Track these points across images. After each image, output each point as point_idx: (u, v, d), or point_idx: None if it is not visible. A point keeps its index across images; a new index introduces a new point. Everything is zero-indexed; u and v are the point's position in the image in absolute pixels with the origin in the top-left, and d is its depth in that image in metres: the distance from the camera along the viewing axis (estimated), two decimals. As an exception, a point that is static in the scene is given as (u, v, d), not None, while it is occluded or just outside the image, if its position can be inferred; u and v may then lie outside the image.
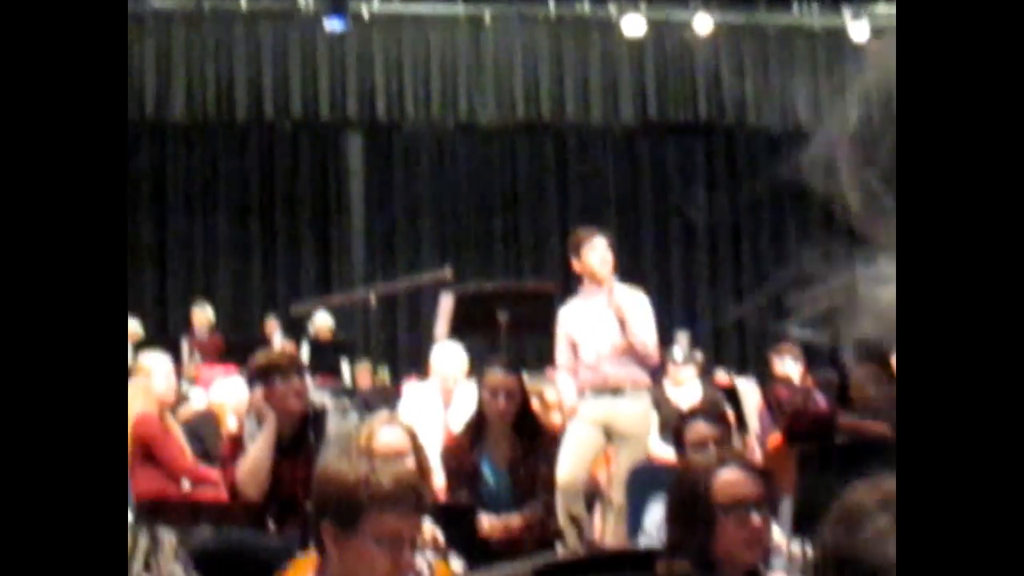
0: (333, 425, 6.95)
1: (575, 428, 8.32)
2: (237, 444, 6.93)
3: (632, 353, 8.45)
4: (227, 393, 10.07)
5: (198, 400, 10.74)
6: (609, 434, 8.40)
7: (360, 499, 3.52)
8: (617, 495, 8.31)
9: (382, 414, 6.30)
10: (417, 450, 5.83)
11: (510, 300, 9.18)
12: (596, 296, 8.54)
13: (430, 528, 5.64)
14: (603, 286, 8.50)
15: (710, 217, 21.28)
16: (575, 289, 8.93)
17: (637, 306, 8.57)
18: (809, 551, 8.37)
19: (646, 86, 20.26)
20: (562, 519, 7.54)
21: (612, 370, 8.43)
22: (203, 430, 9.65)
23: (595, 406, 8.40)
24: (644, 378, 8.61)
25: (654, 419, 9.77)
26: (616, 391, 8.44)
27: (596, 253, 8.57)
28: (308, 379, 8.05)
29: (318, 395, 7.75)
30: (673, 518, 4.09)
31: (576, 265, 8.63)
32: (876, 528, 1.83)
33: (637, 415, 8.50)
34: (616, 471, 8.45)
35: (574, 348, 8.58)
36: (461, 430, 7.33)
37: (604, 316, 8.47)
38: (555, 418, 9.43)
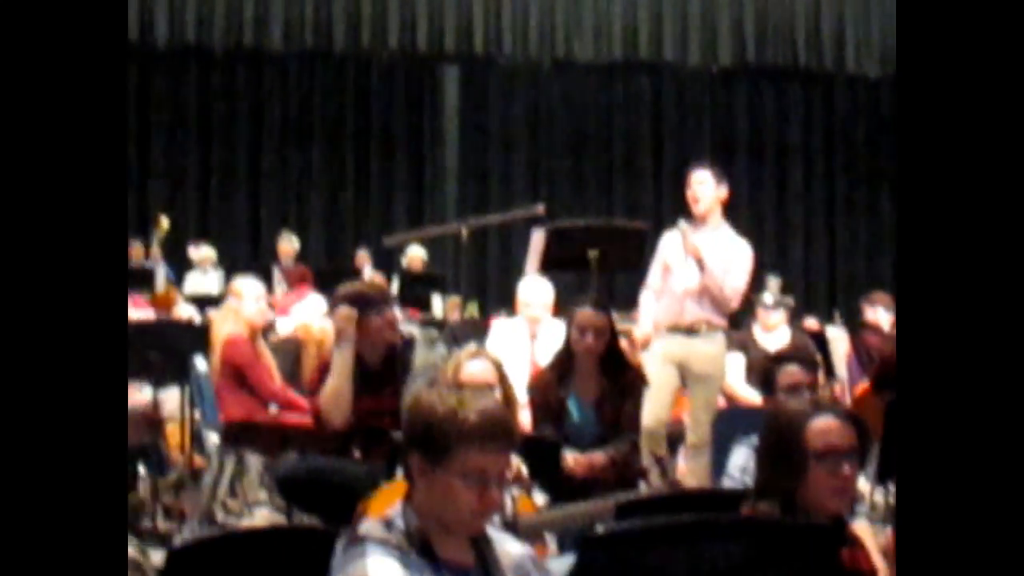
0: (421, 356, 6.98)
1: (651, 368, 8.30)
2: (324, 371, 6.96)
3: (710, 295, 8.42)
4: (308, 315, 10.09)
5: (282, 327, 10.79)
6: (684, 374, 8.39)
7: (448, 433, 3.52)
8: (694, 436, 8.31)
9: (469, 347, 6.31)
10: (503, 383, 5.82)
11: (601, 238, 9.14)
12: (697, 229, 8.52)
13: (515, 462, 5.65)
14: (704, 221, 8.49)
15: (805, 162, 21.13)
16: (668, 227, 8.87)
17: (737, 254, 8.52)
18: (892, 500, 8.33)
19: (745, 28, 20.11)
20: (645, 458, 7.54)
21: (691, 307, 8.42)
22: (287, 356, 9.69)
23: (670, 343, 8.38)
24: (719, 320, 8.58)
25: (736, 361, 9.74)
26: (691, 330, 8.43)
27: (690, 190, 8.56)
28: (398, 310, 8.08)
29: (407, 326, 7.78)
30: (763, 461, 4.07)
31: (688, 195, 8.62)
32: None
33: (711, 355, 8.49)
34: (693, 412, 8.44)
35: (667, 273, 8.57)
36: (548, 366, 7.32)
37: (685, 257, 8.46)
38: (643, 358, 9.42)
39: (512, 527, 4.88)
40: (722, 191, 8.65)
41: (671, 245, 8.66)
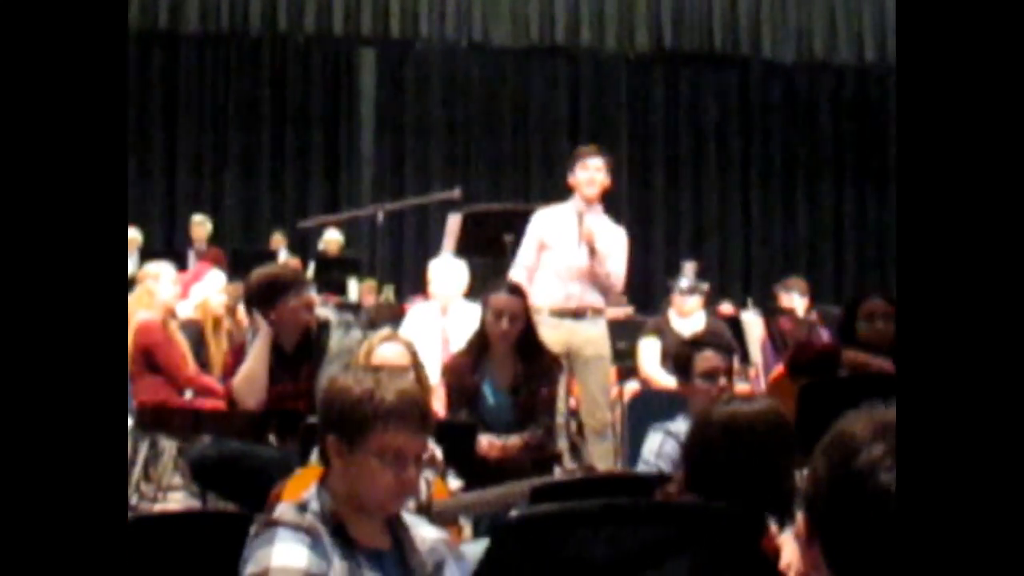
0: (336, 340, 6.97)
1: None
2: (238, 355, 6.94)
3: (594, 280, 8.50)
4: (206, 291, 9.95)
5: (183, 309, 10.68)
6: (571, 359, 8.43)
7: (365, 414, 3.52)
8: (592, 419, 8.35)
9: (383, 331, 6.30)
10: (416, 367, 5.82)
11: (518, 222, 9.15)
12: (587, 216, 8.58)
13: (430, 446, 5.65)
14: (591, 205, 8.55)
15: (720, 147, 21.24)
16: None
17: (615, 241, 8.62)
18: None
19: (661, 14, 20.19)
20: (562, 442, 7.58)
21: (576, 291, 8.49)
22: (191, 338, 9.61)
23: (556, 329, 8.39)
24: (602, 304, 8.68)
25: (651, 346, 9.79)
26: (576, 314, 8.50)
27: (586, 173, 8.62)
28: (314, 294, 8.05)
29: (323, 310, 7.76)
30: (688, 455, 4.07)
31: (570, 178, 8.68)
32: (870, 457, 1.82)
33: (597, 337, 8.57)
34: (587, 396, 8.48)
35: (541, 251, 8.61)
36: (463, 350, 7.32)
37: (579, 242, 8.51)
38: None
39: (427, 511, 4.89)
40: (607, 179, 8.75)
41: (547, 223, 8.70)
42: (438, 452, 5.59)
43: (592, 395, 8.41)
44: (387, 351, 5.78)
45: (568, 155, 9.13)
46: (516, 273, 8.66)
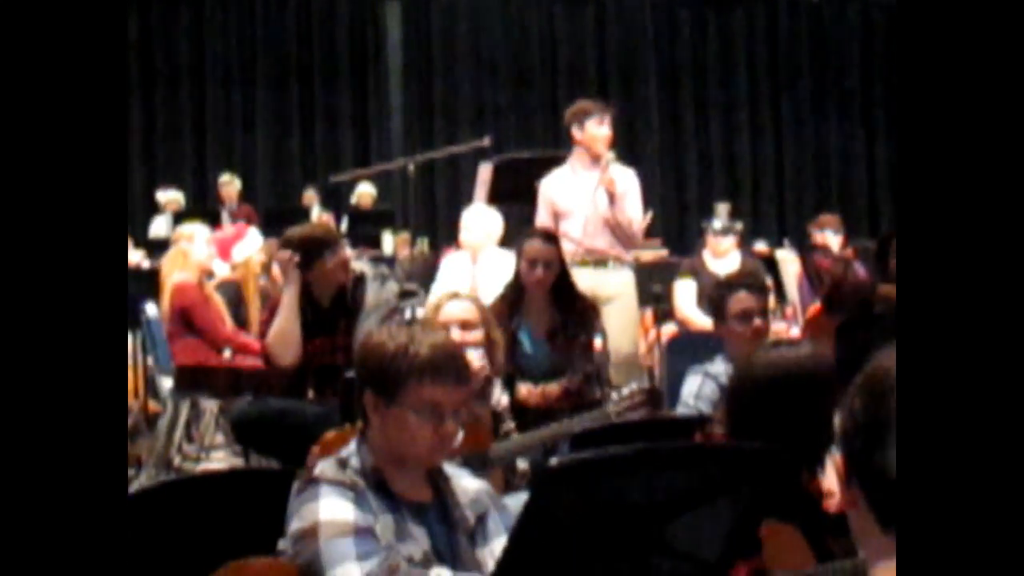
0: (372, 293, 6.97)
1: None
2: (273, 313, 6.96)
3: (617, 229, 8.49)
4: (245, 252, 9.97)
5: (221, 269, 10.71)
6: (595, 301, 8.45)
7: (400, 368, 3.53)
8: (615, 356, 8.34)
9: (449, 293, 6.25)
10: (485, 323, 5.79)
11: (549, 169, 9.13)
12: (586, 169, 8.57)
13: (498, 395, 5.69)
14: (599, 160, 8.52)
15: (750, 86, 21.15)
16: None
17: (628, 183, 8.60)
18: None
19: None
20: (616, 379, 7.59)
21: (599, 243, 8.48)
22: (229, 298, 9.64)
23: (580, 277, 8.39)
24: (626, 254, 8.67)
25: (686, 287, 9.79)
26: (599, 263, 8.50)
27: (602, 128, 8.59)
28: (348, 249, 8.06)
29: (358, 263, 7.76)
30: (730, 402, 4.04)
31: (576, 135, 8.66)
32: None
33: (620, 281, 8.57)
34: (611, 334, 8.48)
35: (556, 217, 8.60)
36: (498, 298, 7.32)
37: (593, 190, 8.49)
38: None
39: (483, 458, 4.93)
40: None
41: (556, 189, 8.68)
42: (504, 399, 5.65)
43: (615, 335, 8.38)
44: (455, 308, 5.76)
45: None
46: None
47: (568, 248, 8.42)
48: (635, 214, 8.61)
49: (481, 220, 9.21)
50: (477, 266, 8.99)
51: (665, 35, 21.01)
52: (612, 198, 8.45)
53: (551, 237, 7.25)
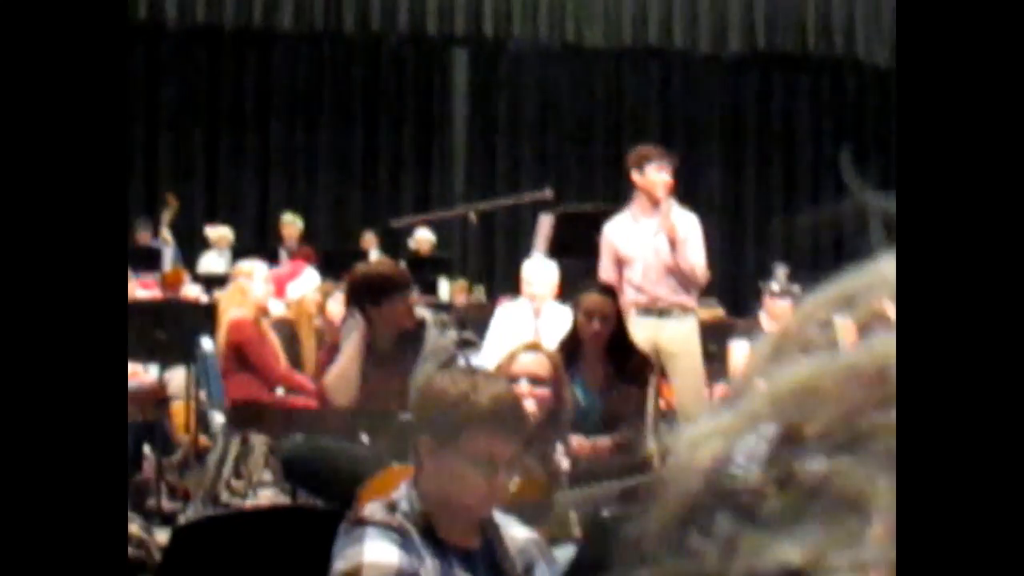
0: (432, 339, 6.98)
1: None
2: (331, 353, 6.97)
3: (679, 275, 8.47)
4: (300, 290, 9.95)
5: (276, 308, 10.74)
6: (659, 356, 8.41)
7: (459, 416, 3.52)
8: (684, 416, 8.30)
9: (525, 344, 6.24)
10: (556, 377, 5.76)
11: (609, 222, 9.13)
12: (647, 215, 8.56)
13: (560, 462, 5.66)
14: (659, 206, 8.51)
15: (814, 150, 21.10)
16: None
17: (690, 228, 8.58)
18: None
19: (755, 14, 20.09)
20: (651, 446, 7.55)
21: (662, 291, 8.46)
22: (283, 336, 9.66)
23: (642, 327, 8.37)
24: (691, 302, 8.64)
25: (742, 348, 9.74)
26: (663, 312, 8.47)
27: (661, 172, 8.58)
28: (415, 294, 8.08)
29: (419, 309, 7.78)
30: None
31: (637, 179, 8.65)
32: None
33: (684, 334, 8.53)
34: (678, 392, 8.44)
35: (620, 265, 8.59)
36: (554, 350, 7.32)
37: (655, 236, 8.48)
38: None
39: (546, 506, 4.91)
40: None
41: (618, 236, 8.68)
42: (565, 463, 5.62)
43: (682, 392, 8.37)
44: (529, 361, 5.74)
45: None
46: None
47: (631, 296, 8.42)
48: (698, 260, 8.58)
49: (545, 272, 9.23)
50: (540, 319, 9.00)
51: (731, 93, 21.00)
52: (673, 244, 8.43)
53: (609, 290, 7.26)
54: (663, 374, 8.50)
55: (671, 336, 8.45)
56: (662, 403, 8.75)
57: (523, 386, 5.36)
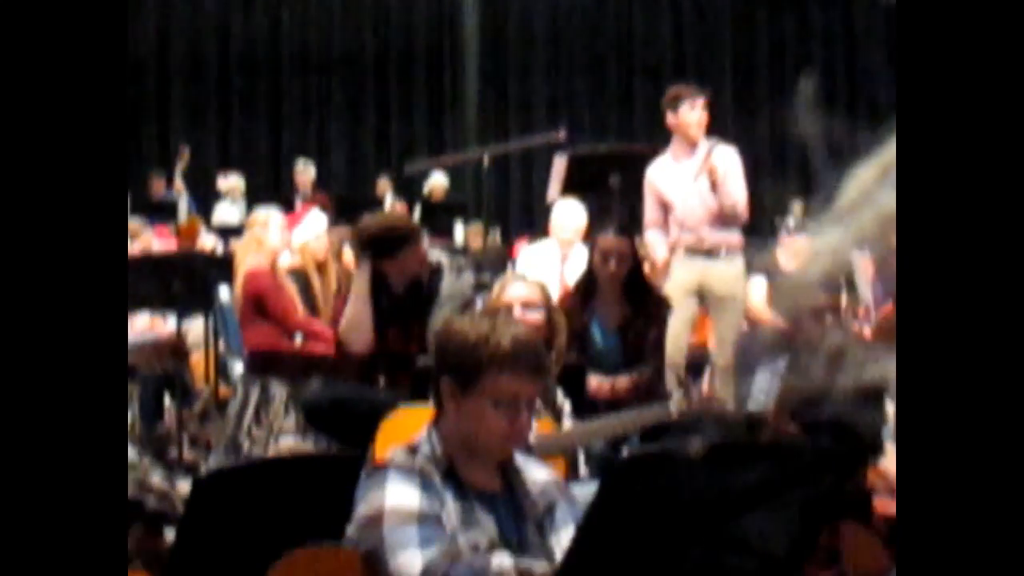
0: (448, 283, 6.99)
1: (672, 299, 8.33)
2: (346, 300, 6.98)
3: (722, 215, 8.44)
4: (306, 236, 9.85)
5: (285, 258, 10.68)
6: (704, 297, 8.41)
7: (480, 358, 3.52)
8: (721, 358, 8.33)
9: (514, 274, 6.31)
10: (548, 306, 5.82)
11: (623, 162, 9.11)
12: (686, 156, 8.53)
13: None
14: (696, 146, 8.48)
15: (827, 84, 21.00)
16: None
17: (729, 164, 8.53)
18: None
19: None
20: (669, 383, 7.56)
21: (707, 232, 8.44)
22: (298, 285, 9.62)
23: (689, 268, 8.39)
24: (737, 240, 8.61)
25: (759, 284, 9.73)
26: (710, 253, 8.46)
27: (695, 112, 8.53)
28: (426, 241, 8.08)
29: (433, 253, 7.77)
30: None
31: (671, 120, 8.60)
32: None
33: (731, 276, 8.51)
34: (719, 334, 8.44)
35: (664, 207, 8.58)
36: (571, 291, 7.33)
37: (696, 177, 8.45)
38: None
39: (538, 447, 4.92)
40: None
41: (660, 179, 8.66)
42: (567, 405, 5.64)
43: (723, 334, 8.38)
44: (519, 289, 5.79)
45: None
46: (649, 234, 8.66)
47: (676, 235, 8.43)
48: (739, 195, 8.54)
49: (574, 216, 9.24)
50: (568, 262, 9.01)
51: (742, 26, 20.89)
52: (714, 186, 8.40)
53: (624, 230, 7.25)
54: (705, 311, 8.51)
55: (719, 278, 8.43)
56: (698, 339, 8.77)
57: (516, 312, 5.40)
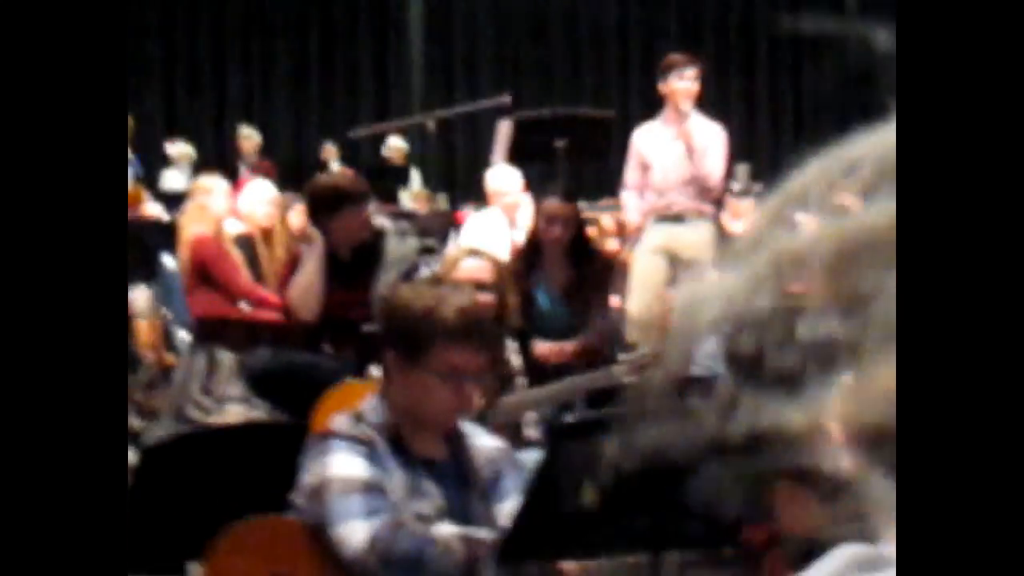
0: (392, 248, 6.97)
1: (640, 259, 8.38)
2: (292, 266, 6.96)
3: (696, 183, 8.47)
4: (251, 204, 9.73)
5: (231, 226, 10.59)
6: (673, 262, 8.44)
7: (426, 330, 3.51)
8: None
9: (467, 248, 6.25)
10: (500, 283, 5.77)
11: (568, 127, 9.12)
12: (673, 124, 8.57)
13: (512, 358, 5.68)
14: (685, 115, 8.51)
15: (772, 47, 21.05)
16: (634, 115, 8.91)
17: (711, 137, 8.57)
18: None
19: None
20: (630, 336, 7.60)
21: (676, 196, 8.47)
22: (243, 253, 9.55)
23: (658, 233, 8.44)
24: (707, 207, 8.64)
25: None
26: (679, 218, 8.48)
27: (683, 82, 8.57)
28: (372, 205, 8.06)
29: (379, 219, 7.76)
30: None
31: (662, 88, 8.63)
32: None
33: (699, 242, 8.53)
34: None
35: (644, 169, 8.61)
36: (515, 256, 7.32)
37: (677, 144, 8.49)
38: (611, 245, 9.43)
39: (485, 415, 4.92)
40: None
41: (645, 141, 8.69)
42: (517, 361, 5.63)
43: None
44: (472, 266, 5.73)
45: (617, 57, 9.01)
46: (626, 195, 8.71)
47: (650, 200, 8.46)
48: (715, 169, 8.57)
49: (508, 180, 9.22)
50: (517, 228, 8.99)
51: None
52: (690, 152, 8.43)
53: (569, 195, 7.24)
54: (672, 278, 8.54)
55: (686, 243, 8.45)
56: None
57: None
